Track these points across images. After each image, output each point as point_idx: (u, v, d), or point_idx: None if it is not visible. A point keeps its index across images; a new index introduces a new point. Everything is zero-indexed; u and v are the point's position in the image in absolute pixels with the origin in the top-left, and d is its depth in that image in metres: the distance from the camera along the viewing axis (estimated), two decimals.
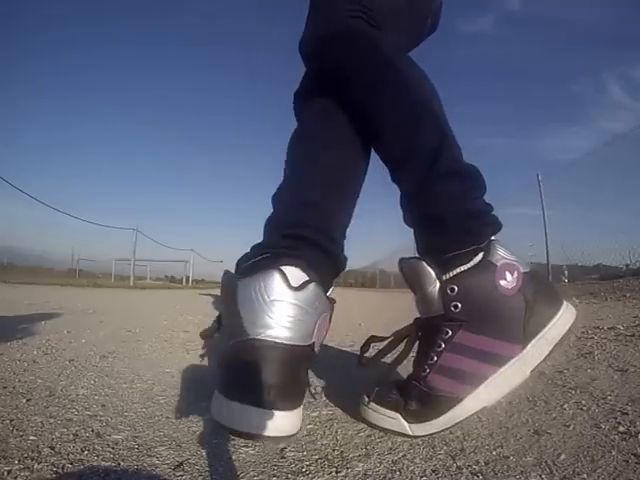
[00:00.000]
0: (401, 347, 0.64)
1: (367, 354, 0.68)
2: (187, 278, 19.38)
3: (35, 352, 1.08)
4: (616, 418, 0.60)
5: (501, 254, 0.54)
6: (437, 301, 0.53)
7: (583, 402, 0.68)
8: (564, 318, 0.54)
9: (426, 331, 0.58)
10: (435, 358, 0.54)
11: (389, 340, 0.65)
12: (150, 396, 0.76)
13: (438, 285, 0.53)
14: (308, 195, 0.63)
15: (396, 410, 0.56)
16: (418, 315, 0.60)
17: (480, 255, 0.54)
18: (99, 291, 6.07)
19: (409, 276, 0.58)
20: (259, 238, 0.64)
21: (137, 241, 13.11)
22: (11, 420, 0.60)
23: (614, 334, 1.25)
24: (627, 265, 4.68)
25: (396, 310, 3.13)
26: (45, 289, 5.43)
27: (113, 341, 1.30)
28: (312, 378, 0.91)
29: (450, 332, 0.53)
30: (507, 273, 0.52)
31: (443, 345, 0.54)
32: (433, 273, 0.53)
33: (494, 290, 0.51)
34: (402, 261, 0.60)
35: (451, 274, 0.53)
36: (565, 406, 0.67)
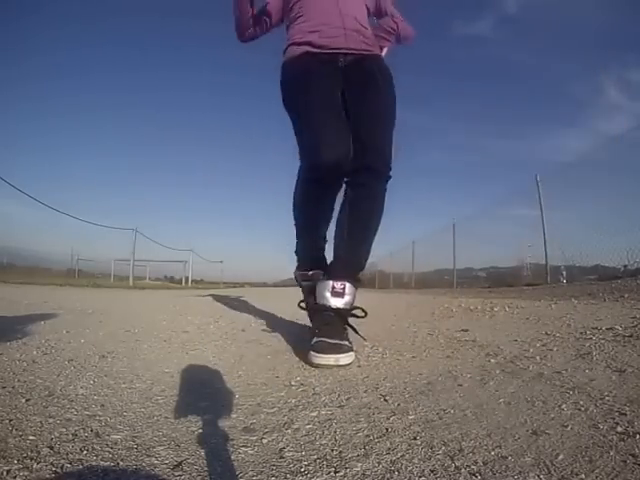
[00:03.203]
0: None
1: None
2: (186, 278, 19.38)
3: (34, 352, 1.08)
4: (614, 418, 0.60)
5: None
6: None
7: (581, 402, 0.68)
8: None
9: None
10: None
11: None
12: (149, 396, 0.76)
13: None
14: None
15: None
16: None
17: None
18: (98, 291, 6.07)
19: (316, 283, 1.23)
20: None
21: (136, 241, 13.10)
22: (10, 420, 0.60)
23: (612, 335, 1.25)
24: (625, 266, 4.69)
25: (395, 310, 3.13)
26: (44, 289, 5.42)
27: (112, 341, 1.30)
28: (311, 379, 0.92)
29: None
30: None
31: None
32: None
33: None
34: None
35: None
36: (563, 406, 0.67)
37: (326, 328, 1.10)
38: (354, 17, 1.31)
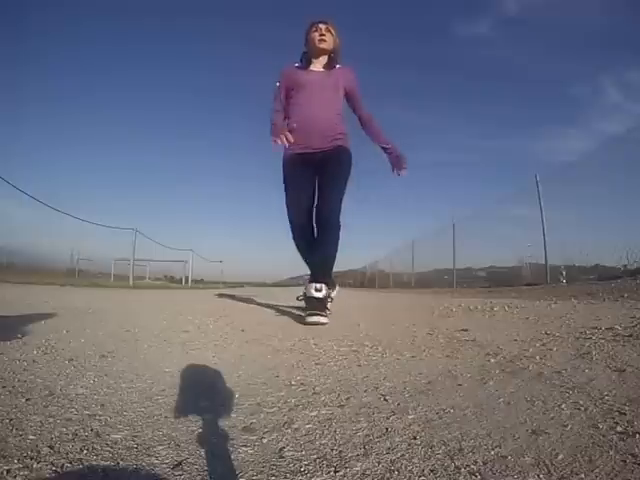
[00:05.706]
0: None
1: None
2: (186, 278, 19.38)
3: (35, 352, 1.08)
4: (614, 418, 0.60)
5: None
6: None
7: (581, 402, 0.68)
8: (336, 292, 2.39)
9: None
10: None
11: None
12: (149, 395, 0.76)
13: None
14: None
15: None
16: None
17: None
18: (98, 291, 6.06)
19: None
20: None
21: (136, 241, 13.08)
22: (10, 419, 0.60)
23: (612, 334, 1.26)
24: (625, 266, 4.69)
25: (395, 310, 3.13)
26: (44, 289, 5.42)
27: (112, 341, 1.30)
28: (311, 378, 0.92)
29: None
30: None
31: None
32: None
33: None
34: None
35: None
36: (563, 406, 0.67)
37: (313, 307, 1.96)
38: (329, 120, 2.14)
